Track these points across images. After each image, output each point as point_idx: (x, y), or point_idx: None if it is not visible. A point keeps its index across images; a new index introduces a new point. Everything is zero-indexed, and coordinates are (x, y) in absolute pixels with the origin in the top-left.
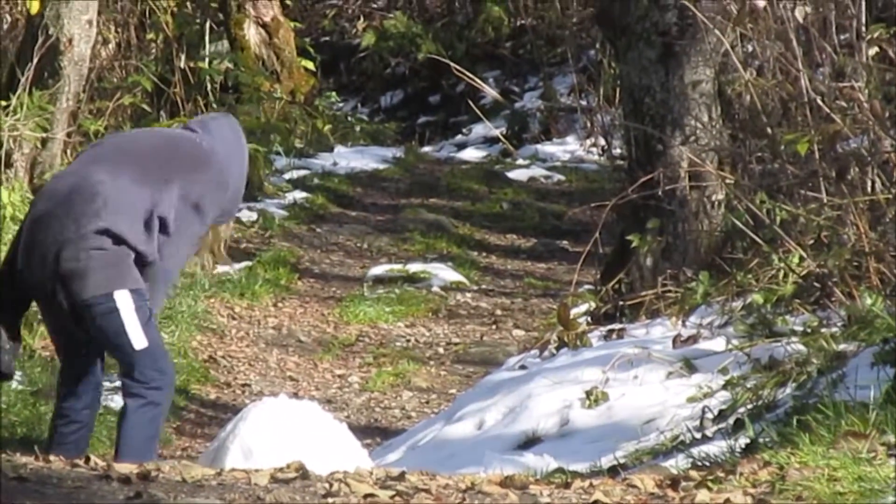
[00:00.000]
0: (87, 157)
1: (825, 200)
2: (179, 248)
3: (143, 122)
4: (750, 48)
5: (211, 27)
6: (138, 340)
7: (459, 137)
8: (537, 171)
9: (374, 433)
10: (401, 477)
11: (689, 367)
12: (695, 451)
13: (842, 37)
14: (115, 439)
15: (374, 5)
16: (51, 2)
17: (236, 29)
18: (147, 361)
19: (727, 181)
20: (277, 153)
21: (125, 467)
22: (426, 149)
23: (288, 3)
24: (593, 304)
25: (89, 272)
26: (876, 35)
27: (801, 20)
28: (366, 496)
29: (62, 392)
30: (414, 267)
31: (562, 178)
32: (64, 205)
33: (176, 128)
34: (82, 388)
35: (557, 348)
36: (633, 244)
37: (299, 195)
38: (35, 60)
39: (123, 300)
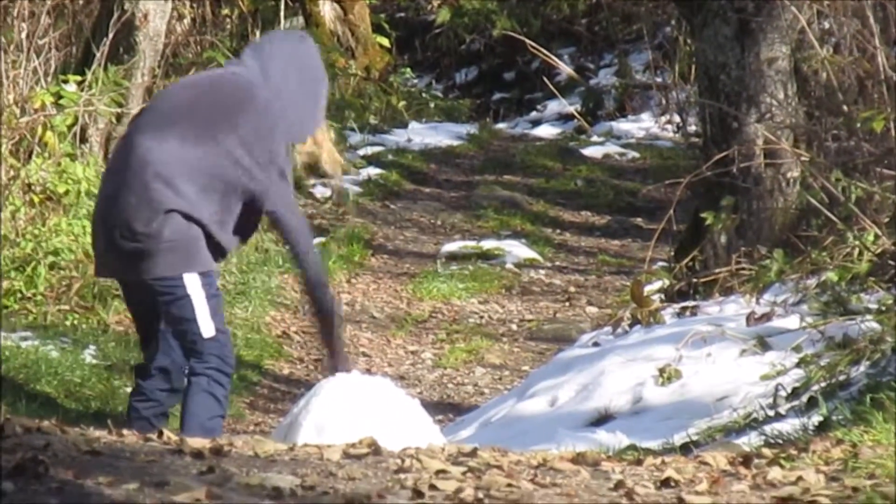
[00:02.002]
0: (135, 125)
1: None
2: (280, 188)
3: None
4: (826, 25)
5: (286, 3)
6: (207, 329)
7: (534, 114)
8: (612, 148)
9: (446, 409)
10: (473, 453)
11: (763, 344)
12: (767, 428)
13: None
14: (181, 419)
15: None
16: None
17: (311, 5)
18: (213, 348)
19: (802, 159)
20: (352, 129)
21: (198, 442)
22: (500, 125)
23: None
24: (667, 282)
25: (155, 253)
26: None
27: None
28: (437, 472)
29: (137, 368)
30: (487, 244)
31: (636, 155)
32: (120, 182)
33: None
34: (155, 367)
35: (631, 325)
36: (708, 222)
37: (373, 171)
38: (110, 36)
39: (193, 285)
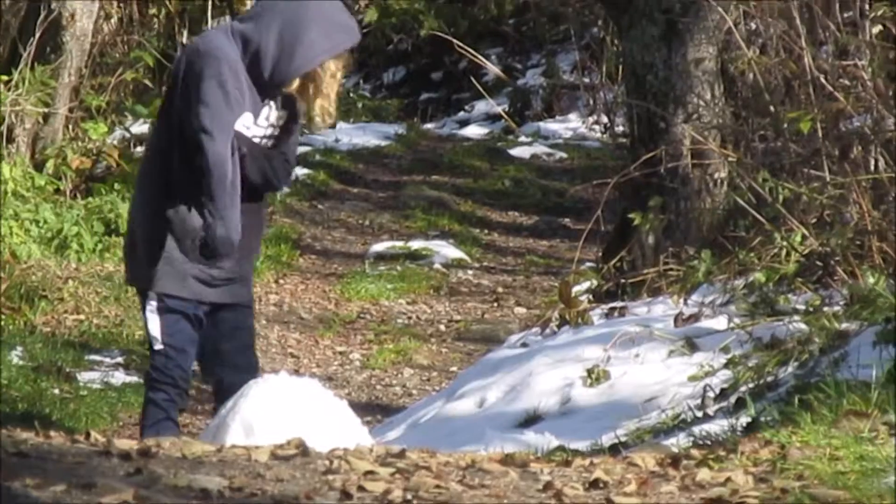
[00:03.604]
0: None
1: (828, 179)
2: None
3: (145, 97)
4: (753, 26)
5: (213, 2)
6: (154, 341)
7: (462, 114)
8: (539, 149)
9: (374, 410)
10: (401, 454)
11: (691, 345)
12: (696, 429)
13: (845, 14)
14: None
15: None
16: None
17: (238, 4)
18: (156, 359)
19: (730, 159)
20: None
21: (125, 443)
22: (428, 125)
23: None
24: (595, 282)
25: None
26: (879, 13)
27: None
28: (366, 473)
29: None
30: (416, 244)
31: (564, 155)
32: None
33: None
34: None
35: (559, 326)
36: (635, 222)
37: (301, 172)
38: (37, 35)
39: (151, 303)
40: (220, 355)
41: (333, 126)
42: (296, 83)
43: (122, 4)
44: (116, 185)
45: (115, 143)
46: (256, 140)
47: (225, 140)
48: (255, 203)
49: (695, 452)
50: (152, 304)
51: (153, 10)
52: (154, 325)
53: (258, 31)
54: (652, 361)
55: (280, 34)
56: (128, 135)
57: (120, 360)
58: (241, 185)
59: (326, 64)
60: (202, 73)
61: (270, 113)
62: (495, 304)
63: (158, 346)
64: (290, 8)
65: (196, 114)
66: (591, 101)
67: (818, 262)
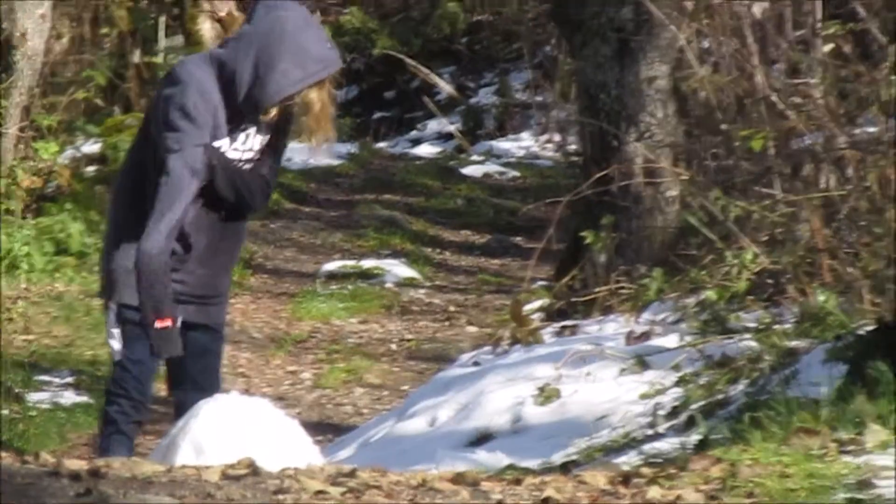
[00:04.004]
0: None
1: (779, 197)
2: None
3: (97, 117)
4: (706, 44)
5: (166, 22)
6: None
7: (414, 133)
8: (492, 167)
9: (325, 430)
10: (352, 473)
11: (642, 363)
12: (647, 447)
13: (797, 33)
14: None
15: (330, 1)
16: None
17: (191, 24)
18: (115, 371)
19: (682, 177)
20: None
21: (75, 463)
22: (381, 144)
23: None
24: (547, 301)
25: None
26: (830, 32)
27: (758, 16)
28: (317, 493)
29: None
30: (367, 263)
31: (516, 174)
32: None
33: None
34: None
35: (510, 345)
36: (587, 241)
37: None
38: None
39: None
40: (185, 374)
41: (329, 146)
42: (273, 111)
43: (73, 24)
44: (67, 205)
45: (67, 162)
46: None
47: (185, 163)
48: (235, 222)
49: (645, 470)
50: (111, 316)
51: (105, 30)
52: (113, 336)
53: (235, 56)
54: (603, 380)
55: (255, 61)
56: (79, 154)
57: (70, 380)
58: (217, 202)
59: (306, 93)
60: (171, 98)
61: (250, 138)
62: (447, 323)
63: (117, 358)
64: (268, 35)
65: (164, 136)
66: (544, 120)
67: (769, 280)
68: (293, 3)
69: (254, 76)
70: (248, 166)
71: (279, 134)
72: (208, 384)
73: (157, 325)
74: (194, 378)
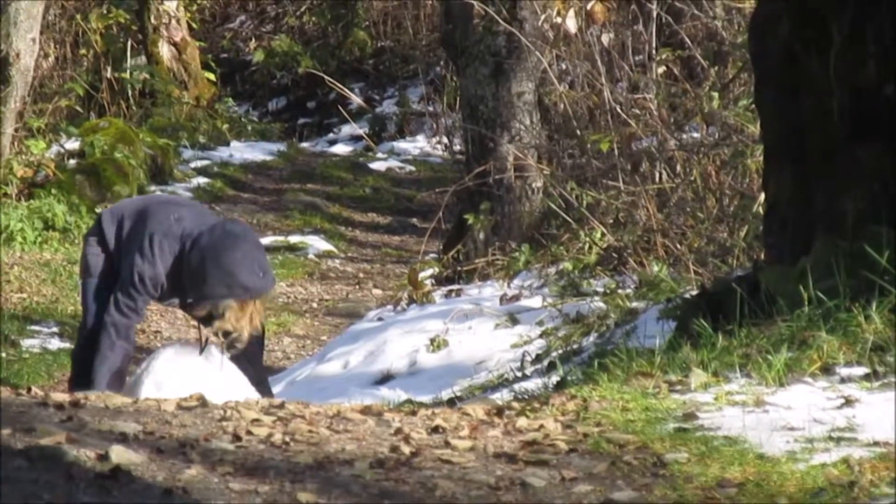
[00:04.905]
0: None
1: (622, 188)
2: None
3: (77, 120)
4: (564, 66)
5: (132, 45)
6: None
7: (331, 135)
8: (393, 163)
9: None
10: (281, 406)
11: (513, 320)
12: (516, 386)
13: (636, 57)
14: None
15: (264, 29)
16: (1, 23)
17: (152, 47)
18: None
19: (544, 172)
20: (185, 146)
21: (60, 396)
22: (304, 144)
23: (194, 26)
24: (437, 270)
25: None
26: (663, 56)
27: (605, 44)
28: (253, 420)
29: None
30: (293, 238)
31: (413, 168)
32: None
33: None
34: None
35: (408, 304)
36: (469, 222)
37: (202, 180)
38: None
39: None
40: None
41: (243, 345)
42: (203, 311)
43: (57, 46)
44: (53, 191)
45: (52, 156)
46: None
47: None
48: None
49: (515, 405)
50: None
51: (83, 51)
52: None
53: (194, 248)
54: (482, 333)
55: (199, 262)
56: (62, 150)
57: (55, 329)
58: None
59: (228, 303)
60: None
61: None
62: (357, 287)
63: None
64: (219, 248)
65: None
66: (435, 126)
67: (614, 254)
68: (247, 232)
69: (193, 274)
70: None
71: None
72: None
73: None
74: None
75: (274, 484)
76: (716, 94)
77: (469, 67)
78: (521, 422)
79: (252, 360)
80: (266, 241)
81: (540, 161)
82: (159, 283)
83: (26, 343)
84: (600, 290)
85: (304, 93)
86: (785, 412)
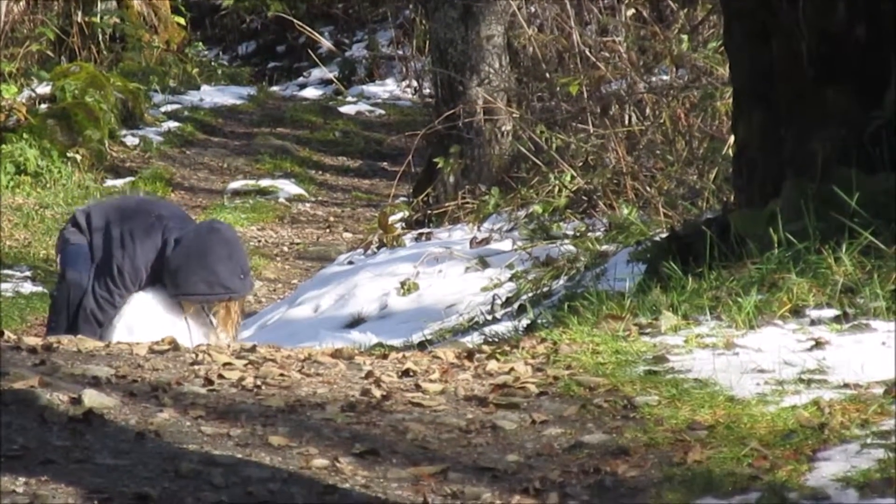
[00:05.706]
0: None
1: (591, 131)
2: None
3: (48, 65)
4: (533, 9)
5: None
6: None
7: (301, 79)
8: (363, 107)
9: None
10: (252, 349)
11: (483, 263)
12: (487, 329)
13: (605, 0)
14: None
15: None
16: None
17: None
18: None
19: (514, 115)
20: (155, 90)
21: (33, 340)
22: (274, 88)
23: None
24: (407, 213)
25: None
26: None
27: None
28: (224, 364)
29: None
30: (264, 182)
31: (383, 112)
32: None
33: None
34: None
35: (378, 248)
36: (439, 165)
37: (173, 124)
38: None
39: None
40: None
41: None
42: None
43: None
44: (25, 135)
45: (24, 101)
46: None
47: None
48: None
49: (485, 348)
50: None
51: None
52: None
53: (179, 245)
54: (452, 276)
55: (184, 257)
56: (33, 94)
57: (28, 273)
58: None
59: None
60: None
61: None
62: (328, 230)
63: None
64: (204, 246)
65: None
66: (405, 69)
67: (584, 197)
68: (231, 233)
69: (175, 268)
70: None
71: None
72: None
73: None
74: None
75: (246, 427)
76: (685, 37)
77: (438, 11)
78: (492, 365)
79: None
80: (236, 184)
81: (509, 104)
82: (139, 278)
83: None
84: (570, 233)
85: (274, 37)
86: (755, 354)
